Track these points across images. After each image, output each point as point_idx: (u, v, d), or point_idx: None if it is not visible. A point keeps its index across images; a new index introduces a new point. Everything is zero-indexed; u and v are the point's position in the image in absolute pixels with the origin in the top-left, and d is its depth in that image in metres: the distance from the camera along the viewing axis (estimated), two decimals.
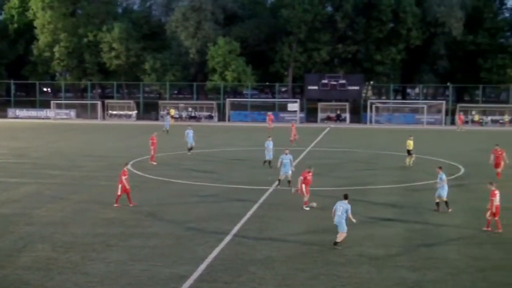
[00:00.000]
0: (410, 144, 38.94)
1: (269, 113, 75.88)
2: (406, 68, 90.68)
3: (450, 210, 24.81)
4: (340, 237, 20.03)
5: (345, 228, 20.01)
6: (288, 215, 24.66)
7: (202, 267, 17.69)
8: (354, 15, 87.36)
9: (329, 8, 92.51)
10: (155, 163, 38.47)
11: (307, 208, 25.41)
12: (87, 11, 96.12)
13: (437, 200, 25.26)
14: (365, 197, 28.05)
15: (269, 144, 36.69)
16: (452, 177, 33.94)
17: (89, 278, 16.75)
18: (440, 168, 25.84)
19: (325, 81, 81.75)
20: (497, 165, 33.06)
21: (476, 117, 78.03)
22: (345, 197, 20.52)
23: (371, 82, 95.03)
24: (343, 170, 37.06)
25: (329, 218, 23.91)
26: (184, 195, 28.76)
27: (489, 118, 79.91)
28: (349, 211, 20.12)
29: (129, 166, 27.95)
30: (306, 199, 25.60)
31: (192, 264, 17.92)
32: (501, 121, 78.29)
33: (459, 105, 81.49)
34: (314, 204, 25.55)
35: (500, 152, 33.32)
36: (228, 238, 20.91)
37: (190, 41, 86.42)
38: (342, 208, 20.07)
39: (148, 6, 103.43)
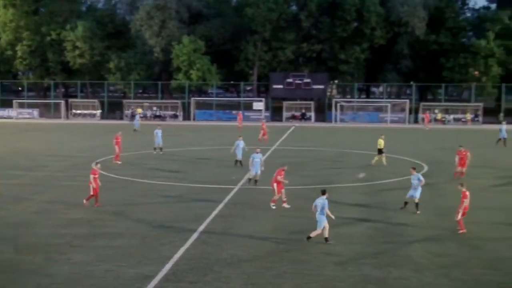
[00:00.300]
0: (381, 143, 39.10)
1: (239, 112, 75.96)
2: (370, 67, 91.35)
3: (418, 212, 24.79)
4: (315, 233, 20.24)
5: (323, 225, 20.15)
6: (253, 214, 24.71)
7: (167, 267, 17.63)
8: (319, 14, 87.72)
9: (294, 7, 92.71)
10: (119, 163, 38.22)
11: (287, 206, 25.43)
12: (50, 9, 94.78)
13: (407, 200, 25.32)
14: (330, 195, 28.02)
15: (240, 143, 36.65)
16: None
17: (53, 280, 16.59)
18: (414, 168, 25.90)
19: (290, 80, 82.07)
20: (461, 165, 33.37)
21: (439, 116, 78.99)
22: (323, 193, 20.65)
23: (336, 81, 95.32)
24: (308, 169, 37.22)
25: (295, 217, 24.18)
26: (149, 195, 28.62)
27: (452, 116, 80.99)
28: (326, 207, 20.22)
29: (99, 166, 27.67)
30: (276, 197, 25.53)
31: (157, 264, 17.85)
32: (463, 120, 79.38)
33: (422, 103, 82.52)
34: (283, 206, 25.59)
35: (464, 153, 33.70)
36: (193, 237, 20.87)
37: (155, 40, 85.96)
38: (320, 204, 20.21)
39: (113, 4, 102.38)
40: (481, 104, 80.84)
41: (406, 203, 25.41)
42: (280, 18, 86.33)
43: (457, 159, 33.82)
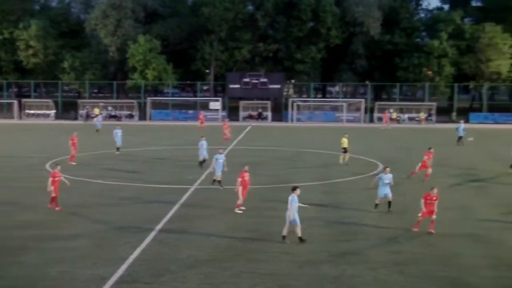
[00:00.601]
0: (345, 142, 39.28)
1: (201, 112, 75.74)
2: (326, 66, 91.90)
3: (390, 210, 24.95)
4: (299, 231, 20.28)
5: (298, 221, 20.23)
6: (210, 214, 24.65)
7: (123, 267, 17.48)
8: (275, 14, 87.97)
9: (250, 7, 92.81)
10: (74, 163, 37.71)
11: (240, 212, 24.90)
12: (2, 8, 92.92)
13: (378, 202, 25.30)
14: (287, 194, 28.24)
15: (203, 143, 36.37)
16: (371, 173, 34.81)
17: (5, 282, 16.31)
18: (387, 168, 25.86)
19: (247, 79, 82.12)
20: (425, 166, 33.48)
21: (394, 115, 79.94)
22: (293, 189, 20.66)
23: (292, 81, 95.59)
24: (265, 168, 37.22)
25: (252, 216, 24.23)
26: (104, 196, 28.35)
27: (406, 115, 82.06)
28: (295, 203, 20.22)
29: (59, 168, 27.20)
30: (240, 202, 25.05)
31: (113, 265, 17.68)
32: (417, 119, 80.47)
33: (377, 103, 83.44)
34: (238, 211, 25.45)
35: (432, 155, 33.97)
36: (149, 238, 20.73)
37: (110, 39, 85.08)
38: (292, 201, 20.26)
39: (67, 3, 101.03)
40: (434, 104, 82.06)
41: (377, 204, 25.30)
42: (237, 17, 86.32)
43: (426, 159, 33.74)
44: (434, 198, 21.83)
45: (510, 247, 20.53)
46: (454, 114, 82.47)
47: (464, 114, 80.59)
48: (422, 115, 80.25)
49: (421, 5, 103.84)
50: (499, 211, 25.65)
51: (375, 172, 35.76)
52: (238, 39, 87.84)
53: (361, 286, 16.61)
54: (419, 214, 22.00)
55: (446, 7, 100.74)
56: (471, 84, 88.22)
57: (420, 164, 33.24)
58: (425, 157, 33.45)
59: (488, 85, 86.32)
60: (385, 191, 25.06)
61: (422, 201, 21.95)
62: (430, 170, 33.07)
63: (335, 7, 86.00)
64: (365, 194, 28.93)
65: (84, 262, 18.05)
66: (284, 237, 20.38)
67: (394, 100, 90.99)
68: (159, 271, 17.27)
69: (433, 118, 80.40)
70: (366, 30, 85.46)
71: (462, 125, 52.43)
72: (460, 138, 51.37)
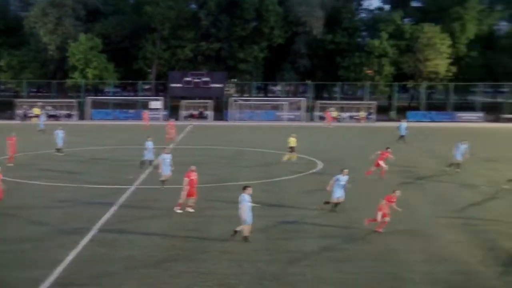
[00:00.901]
0: (292, 141, 39.50)
1: (145, 111, 75.02)
2: (269, 66, 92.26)
3: (336, 210, 25.08)
4: (247, 231, 20.29)
5: (250, 220, 20.20)
6: (150, 214, 24.45)
7: (59, 270, 17.17)
8: (218, 13, 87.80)
9: (193, 6, 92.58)
10: (12, 164, 36.82)
11: (180, 211, 24.64)
12: None
13: (335, 201, 25.18)
14: (228, 193, 28.35)
15: (149, 144, 35.91)
16: (310, 172, 35.13)
17: None
18: (344, 170, 25.89)
19: (189, 78, 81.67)
20: (378, 165, 33.75)
21: (334, 114, 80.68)
22: (244, 188, 20.61)
23: (235, 80, 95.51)
24: (206, 167, 36.93)
25: (192, 216, 24.12)
26: (41, 197, 27.81)
27: (347, 114, 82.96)
28: (245, 202, 20.15)
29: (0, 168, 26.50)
30: (181, 201, 24.74)
31: (49, 267, 17.33)
32: (356, 117, 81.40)
33: (318, 102, 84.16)
34: (189, 210, 25.04)
35: (388, 154, 34.27)
36: (86, 239, 20.43)
37: (49, 37, 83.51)
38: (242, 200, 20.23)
39: (5, 0, 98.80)
40: (374, 102, 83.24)
41: (327, 202, 25.32)
42: (179, 16, 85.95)
43: (378, 157, 34.04)
44: (393, 200, 22.09)
45: (444, 242, 21.01)
46: (392, 112, 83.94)
47: (403, 112, 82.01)
48: (362, 114, 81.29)
49: (362, 5, 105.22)
50: (437, 208, 26.22)
51: (314, 170, 36.14)
52: (181, 37, 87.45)
53: (300, 284, 16.74)
54: (380, 215, 22.02)
55: (387, 7, 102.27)
56: (410, 83, 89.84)
57: (375, 163, 33.56)
58: (382, 156, 33.71)
59: (426, 84, 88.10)
60: (340, 193, 24.96)
61: (384, 202, 22.09)
62: (385, 167, 33.44)
63: (278, 6, 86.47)
64: (305, 192, 29.22)
65: (18, 265, 17.69)
66: (236, 231, 20.46)
67: (335, 99, 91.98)
68: (97, 273, 17.04)
69: (373, 116, 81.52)
70: (309, 29, 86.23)
71: (404, 124, 53.22)
72: (401, 136, 52.06)
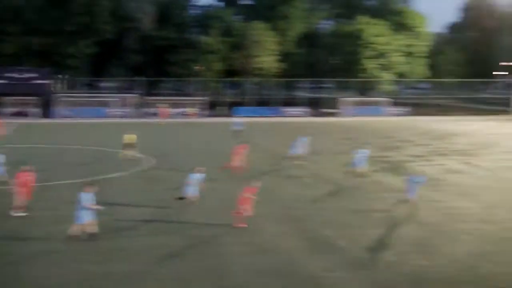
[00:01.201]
0: (130, 138, 39.41)
1: None
2: (98, 61, 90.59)
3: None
4: (74, 230, 19.93)
5: (83, 219, 19.76)
6: None
7: None
8: (46, 7, 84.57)
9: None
10: None
11: (17, 214, 23.37)
12: None
13: (182, 196, 25.33)
14: (50, 192, 27.59)
15: None
16: (140, 169, 34.90)
17: None
18: (198, 167, 25.76)
19: (12, 75, 77.89)
20: (234, 161, 34.05)
21: (165, 110, 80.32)
22: (84, 187, 20.38)
23: (61, 76, 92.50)
24: (28, 167, 35.53)
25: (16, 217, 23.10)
26: None
27: (179, 110, 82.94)
28: (84, 201, 19.80)
29: None
30: (19, 202, 23.50)
31: None
32: (184, 113, 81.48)
33: (148, 98, 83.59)
34: None
35: (242, 149, 34.63)
36: None
37: None
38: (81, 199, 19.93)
39: None
40: (205, 98, 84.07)
41: (181, 198, 25.46)
42: (3, 9, 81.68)
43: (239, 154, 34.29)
44: (254, 191, 22.61)
45: (268, 234, 21.85)
46: (221, 108, 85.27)
47: (232, 108, 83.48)
48: (192, 110, 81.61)
49: (192, 1, 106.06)
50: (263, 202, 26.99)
51: (145, 168, 35.96)
52: (4, 31, 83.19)
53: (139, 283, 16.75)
54: (243, 209, 22.36)
55: (222, 4, 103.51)
56: (238, 79, 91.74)
57: (234, 158, 33.94)
58: (238, 151, 34.08)
59: (254, 80, 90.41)
60: (191, 190, 25.13)
61: (248, 194, 22.44)
62: (242, 162, 33.92)
63: (107, 1, 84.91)
64: (134, 190, 29.05)
65: None
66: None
67: (165, 95, 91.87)
68: None
69: (204, 112, 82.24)
70: (139, 25, 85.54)
71: (238, 120, 54.71)
72: (236, 132, 53.33)
